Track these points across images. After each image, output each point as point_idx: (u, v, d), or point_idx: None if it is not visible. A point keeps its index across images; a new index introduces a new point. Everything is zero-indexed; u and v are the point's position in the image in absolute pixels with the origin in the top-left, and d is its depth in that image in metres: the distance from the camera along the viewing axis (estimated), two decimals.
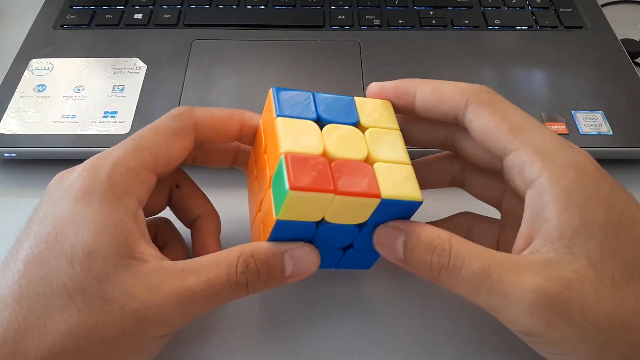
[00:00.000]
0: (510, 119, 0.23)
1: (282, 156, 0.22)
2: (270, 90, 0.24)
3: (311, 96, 0.25)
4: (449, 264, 0.21)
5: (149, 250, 0.22)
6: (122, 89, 0.38)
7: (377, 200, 0.22)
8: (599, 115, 0.36)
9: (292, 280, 0.24)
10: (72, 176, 0.23)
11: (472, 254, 0.21)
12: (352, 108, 0.25)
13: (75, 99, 0.37)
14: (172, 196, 0.28)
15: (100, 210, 0.22)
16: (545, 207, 0.21)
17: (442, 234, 0.22)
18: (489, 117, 0.24)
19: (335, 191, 0.21)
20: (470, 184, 0.29)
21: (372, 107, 0.26)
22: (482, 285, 0.21)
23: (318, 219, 0.22)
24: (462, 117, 0.25)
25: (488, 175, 0.28)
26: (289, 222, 0.22)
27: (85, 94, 0.37)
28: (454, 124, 0.26)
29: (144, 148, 0.24)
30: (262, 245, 0.23)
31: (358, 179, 0.22)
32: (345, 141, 0.23)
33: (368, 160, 0.23)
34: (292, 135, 0.23)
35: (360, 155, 0.23)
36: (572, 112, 0.37)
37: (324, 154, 0.23)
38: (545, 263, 0.20)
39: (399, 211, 0.23)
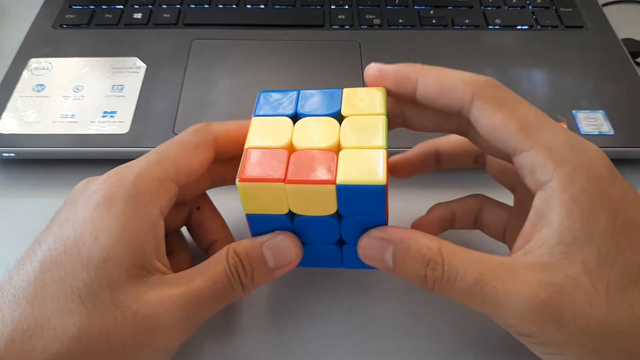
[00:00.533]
0: (519, 116, 0.22)
1: (244, 151, 0.23)
2: (258, 93, 0.25)
3: (296, 94, 0.25)
4: (442, 277, 0.21)
5: (157, 265, 0.23)
6: (122, 89, 0.38)
7: (332, 187, 0.21)
8: (600, 115, 0.36)
9: (281, 272, 0.24)
10: (97, 182, 0.23)
11: (464, 265, 0.21)
12: (337, 99, 0.25)
13: (74, 99, 0.37)
14: (191, 217, 0.29)
15: (122, 217, 0.22)
16: (551, 211, 0.21)
17: (432, 245, 0.22)
18: (496, 115, 0.22)
19: (284, 180, 0.21)
20: (489, 165, 0.29)
21: (363, 95, 0.25)
22: (477, 296, 0.21)
23: (283, 211, 0.23)
24: (468, 112, 0.23)
25: (505, 160, 0.26)
26: (259, 216, 0.23)
27: (85, 94, 0.37)
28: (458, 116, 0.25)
29: (167, 159, 0.24)
30: (242, 242, 0.24)
31: (315, 168, 0.22)
32: (315, 132, 0.23)
33: (337, 149, 0.23)
34: (260, 133, 0.23)
35: (326, 144, 0.22)
36: (573, 111, 0.37)
37: (289, 146, 0.23)
38: (540, 267, 0.20)
39: (364, 198, 0.22)
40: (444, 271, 0.21)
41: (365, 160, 0.22)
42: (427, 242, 0.22)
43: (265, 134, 0.23)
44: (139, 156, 0.24)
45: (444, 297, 0.22)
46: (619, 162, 0.35)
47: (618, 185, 0.21)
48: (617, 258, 0.20)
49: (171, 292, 0.22)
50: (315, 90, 0.25)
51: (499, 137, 0.22)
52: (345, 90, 0.25)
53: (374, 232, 0.23)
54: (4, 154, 0.34)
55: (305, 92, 0.25)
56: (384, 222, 0.23)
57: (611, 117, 0.36)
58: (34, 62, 0.39)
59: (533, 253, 0.21)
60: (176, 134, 0.28)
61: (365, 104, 0.24)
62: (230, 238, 0.29)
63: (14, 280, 0.21)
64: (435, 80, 0.24)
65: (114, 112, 0.36)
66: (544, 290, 0.20)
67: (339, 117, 0.24)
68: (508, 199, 0.29)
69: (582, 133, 0.35)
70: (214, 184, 0.29)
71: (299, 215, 0.23)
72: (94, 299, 0.21)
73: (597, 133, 0.35)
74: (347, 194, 0.21)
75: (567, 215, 0.21)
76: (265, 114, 0.24)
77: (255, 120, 0.24)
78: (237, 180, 0.21)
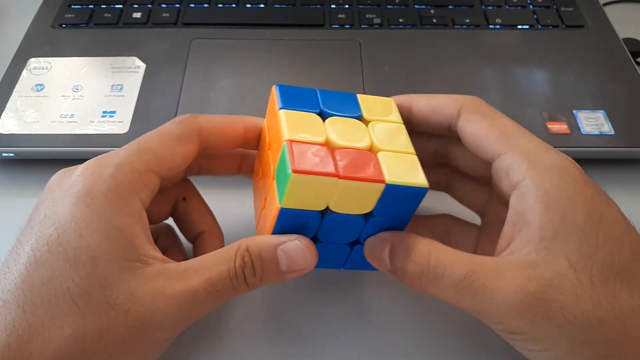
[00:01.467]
0: (500, 126, 0.24)
1: (285, 143, 0.22)
2: (273, 87, 0.25)
3: (314, 92, 0.25)
4: (429, 272, 0.22)
5: (153, 252, 0.22)
6: (121, 89, 0.37)
7: (382, 186, 0.21)
8: (600, 115, 0.36)
9: (291, 276, 0.23)
10: (74, 175, 0.23)
11: (453, 261, 0.22)
12: (355, 103, 0.25)
13: (73, 99, 0.37)
14: (177, 208, 0.28)
15: (104, 212, 0.21)
16: (528, 209, 0.22)
17: (421, 241, 0.22)
18: (480, 124, 0.25)
19: (338, 175, 0.21)
20: (455, 188, 0.30)
21: (375, 103, 0.26)
22: (466, 291, 0.21)
23: (322, 207, 0.22)
24: (455, 125, 0.26)
25: (475, 182, 0.29)
26: (293, 211, 0.22)
27: (84, 94, 0.37)
28: (446, 135, 0.27)
29: (148, 150, 0.24)
30: (257, 239, 0.23)
31: (361, 166, 0.22)
32: (348, 132, 0.23)
33: (371, 150, 0.23)
34: (295, 126, 0.23)
35: (363, 144, 0.23)
36: (574, 111, 0.36)
37: (327, 143, 0.23)
38: (526, 264, 0.21)
39: (404, 199, 0.22)
40: (429, 265, 0.22)
41: (404, 164, 0.23)
42: (417, 239, 0.23)
43: (300, 128, 0.23)
44: None
45: (434, 295, 0.22)
46: (619, 162, 0.35)
47: (590, 186, 0.23)
48: (598, 251, 0.21)
49: (166, 290, 0.21)
50: (331, 91, 0.25)
51: (482, 143, 0.24)
52: (358, 95, 0.26)
53: (382, 233, 0.24)
54: (3, 154, 0.34)
55: (322, 92, 0.25)
56: (405, 225, 0.24)
57: (612, 117, 0.36)
58: (33, 62, 0.39)
59: (519, 252, 0.22)
60: None
61: (381, 111, 0.25)
62: (218, 229, 0.28)
63: (1, 284, 0.21)
64: (426, 102, 0.27)
65: (114, 112, 0.36)
66: (532, 283, 0.20)
67: (361, 120, 0.25)
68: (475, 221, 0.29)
69: (583, 133, 0.35)
70: (189, 172, 0.28)
71: (330, 213, 0.23)
72: (86, 298, 0.20)
73: (597, 133, 0.35)
74: (392, 193, 0.22)
75: (545, 210, 0.22)
76: (292, 108, 0.24)
77: (284, 113, 0.23)
78: (289, 171, 0.20)
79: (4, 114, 0.36)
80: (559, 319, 0.20)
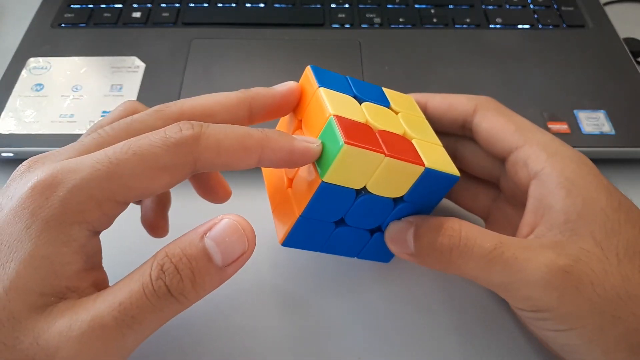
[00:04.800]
0: (516, 121, 0.26)
1: (332, 117, 0.22)
2: (308, 67, 0.25)
3: (345, 78, 0.26)
4: (460, 244, 0.22)
5: (82, 284, 0.19)
6: (120, 89, 0.37)
7: (421, 169, 0.22)
8: (601, 115, 0.36)
9: (233, 270, 0.20)
10: (30, 181, 0.19)
11: (482, 235, 0.22)
12: (383, 94, 0.26)
13: (73, 99, 0.37)
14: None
15: (38, 238, 0.18)
16: (550, 194, 0.23)
17: (451, 218, 0.23)
18: (496, 119, 0.26)
19: (385, 153, 0.21)
20: (460, 193, 0.30)
21: (398, 97, 0.27)
22: (496, 262, 0.21)
23: (361, 185, 0.22)
24: (470, 122, 0.27)
25: (479, 185, 0.29)
26: (332, 187, 0.22)
27: (83, 93, 0.37)
28: (458, 134, 0.28)
29: (119, 177, 0.19)
30: (177, 239, 0.19)
31: (403, 148, 0.23)
32: (384, 117, 0.24)
33: (406, 137, 0.24)
34: (337, 104, 0.23)
35: (399, 130, 0.24)
36: (574, 111, 0.36)
37: (367, 124, 0.23)
38: (553, 244, 0.22)
39: (435, 186, 0.23)
40: (461, 237, 0.22)
41: (437, 153, 0.24)
42: (445, 217, 0.23)
43: (342, 107, 0.23)
44: None
45: (460, 271, 0.23)
46: (620, 162, 0.35)
47: (604, 177, 0.24)
48: (620, 230, 0.22)
49: (71, 330, 0.17)
50: (359, 80, 0.26)
51: (498, 137, 0.25)
52: (384, 89, 0.27)
53: (405, 218, 0.24)
54: (2, 154, 0.34)
55: (352, 79, 0.26)
56: (430, 211, 0.25)
57: (612, 117, 0.36)
58: (32, 62, 0.39)
59: (545, 236, 0.22)
60: None
61: (405, 106, 0.26)
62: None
63: None
64: (442, 99, 0.28)
65: None
66: (562, 258, 0.21)
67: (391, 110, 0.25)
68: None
69: (584, 133, 0.35)
70: None
71: (364, 194, 0.23)
72: None
73: (598, 133, 0.35)
74: (428, 178, 0.23)
75: (567, 194, 0.22)
76: (331, 88, 0.24)
77: (325, 91, 0.23)
78: (341, 143, 0.20)
79: (3, 113, 0.36)
80: (590, 294, 0.20)
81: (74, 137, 0.34)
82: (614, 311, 0.20)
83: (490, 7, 0.45)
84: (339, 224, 0.24)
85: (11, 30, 0.45)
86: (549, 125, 0.35)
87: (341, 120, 0.22)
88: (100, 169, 0.19)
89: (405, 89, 0.28)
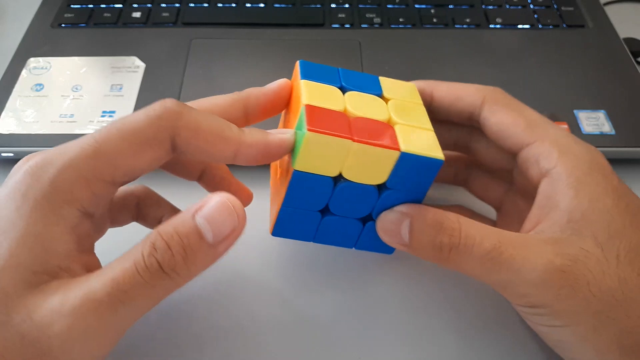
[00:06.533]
0: (526, 116, 0.25)
1: (303, 107, 0.22)
2: (297, 62, 0.25)
3: (336, 70, 0.26)
4: (459, 243, 0.22)
5: (73, 264, 0.19)
6: (120, 88, 0.37)
7: (396, 154, 0.22)
8: (601, 115, 0.36)
9: (225, 247, 0.20)
10: (23, 168, 0.20)
11: (482, 233, 0.22)
12: (377, 84, 0.26)
13: (73, 98, 0.37)
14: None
15: (29, 217, 0.19)
16: (558, 193, 0.23)
17: (450, 215, 0.23)
18: (506, 114, 0.25)
19: (352, 138, 0.21)
20: (473, 182, 0.30)
21: (397, 85, 0.26)
22: (495, 261, 0.21)
23: (335, 172, 0.22)
24: (478, 115, 0.26)
25: (492, 175, 0.29)
26: (306, 175, 0.22)
27: (83, 93, 0.37)
28: (466, 124, 0.27)
29: (104, 155, 0.20)
30: (170, 220, 0.20)
31: (378, 134, 0.22)
32: (367, 105, 0.24)
33: (389, 123, 0.24)
34: (315, 94, 0.23)
35: (382, 117, 0.23)
36: (574, 111, 0.36)
37: (344, 112, 0.23)
38: (553, 241, 0.22)
39: (419, 171, 0.22)
40: (461, 237, 0.22)
41: (421, 138, 0.23)
42: (444, 213, 0.23)
43: (319, 97, 0.23)
44: None
45: (458, 268, 0.22)
46: (620, 162, 0.35)
47: (615, 176, 0.23)
48: (625, 233, 0.21)
49: (64, 307, 0.18)
50: (353, 71, 0.26)
51: (508, 133, 0.25)
52: (380, 78, 0.26)
53: (398, 207, 0.23)
54: (2, 154, 0.34)
55: (345, 71, 0.26)
56: (419, 202, 0.24)
57: (612, 117, 0.36)
58: (32, 62, 0.39)
59: (545, 232, 0.22)
60: None
61: (402, 94, 0.26)
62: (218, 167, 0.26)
63: None
64: (448, 89, 0.27)
65: (113, 112, 0.36)
66: (560, 258, 0.21)
67: (382, 98, 0.25)
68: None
69: (584, 133, 0.35)
70: None
71: (343, 182, 0.23)
72: None
73: (598, 133, 0.35)
74: (406, 163, 0.22)
75: (575, 195, 0.22)
76: (314, 80, 0.24)
77: (306, 83, 0.24)
78: (304, 129, 0.21)
79: (3, 113, 0.36)
80: (585, 293, 0.20)
81: (74, 137, 0.34)
82: (609, 312, 0.21)
83: (490, 7, 0.45)
84: (325, 213, 0.24)
85: (11, 30, 0.45)
86: None
87: (312, 109, 0.22)
88: (87, 148, 0.20)
89: None
